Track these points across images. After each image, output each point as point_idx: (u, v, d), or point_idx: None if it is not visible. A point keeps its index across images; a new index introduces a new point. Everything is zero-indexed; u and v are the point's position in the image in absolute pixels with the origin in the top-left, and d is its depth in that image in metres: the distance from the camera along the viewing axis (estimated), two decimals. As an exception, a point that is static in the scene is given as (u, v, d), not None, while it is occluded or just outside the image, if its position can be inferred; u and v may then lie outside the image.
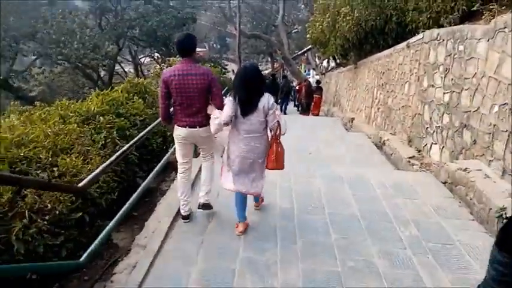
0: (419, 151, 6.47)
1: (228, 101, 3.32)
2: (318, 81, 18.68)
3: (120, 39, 21.06)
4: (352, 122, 10.87)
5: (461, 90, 5.12)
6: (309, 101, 16.35)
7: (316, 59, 40.69)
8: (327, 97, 19.30)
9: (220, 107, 3.41)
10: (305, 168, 5.03)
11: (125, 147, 3.60)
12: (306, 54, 32.13)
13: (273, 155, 3.36)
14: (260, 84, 3.34)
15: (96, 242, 2.88)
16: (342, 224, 3.46)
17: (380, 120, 8.97)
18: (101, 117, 4.21)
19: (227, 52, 64.83)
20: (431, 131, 6.01)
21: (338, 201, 3.86)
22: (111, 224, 3.30)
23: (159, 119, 5.08)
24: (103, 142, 3.87)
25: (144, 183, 4.05)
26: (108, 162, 3.01)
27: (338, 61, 19.46)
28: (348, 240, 3.23)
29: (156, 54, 25.86)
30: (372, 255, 3.02)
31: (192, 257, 3.01)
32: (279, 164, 3.41)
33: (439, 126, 5.76)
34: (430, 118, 6.07)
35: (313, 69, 40.97)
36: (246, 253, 3.03)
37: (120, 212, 3.50)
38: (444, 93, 5.64)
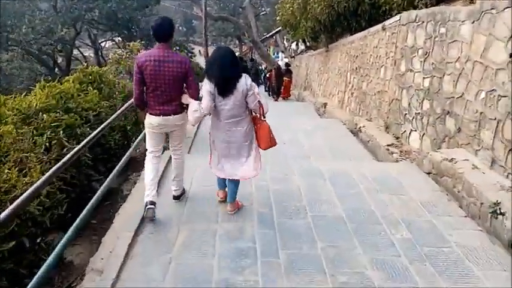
0: (397, 138, 6.21)
1: (205, 91, 3.23)
2: (287, 64, 18.24)
3: (77, 22, 19.68)
4: (325, 107, 10.57)
5: (443, 75, 4.84)
6: (279, 84, 15.93)
7: (285, 42, 40.26)
8: (297, 81, 18.97)
9: (195, 96, 3.37)
10: (282, 162, 4.64)
11: (73, 151, 3.04)
12: (274, 37, 31.53)
13: (270, 135, 3.38)
14: (236, 65, 3.28)
15: (39, 273, 2.34)
16: (328, 229, 3.10)
17: (354, 106, 8.70)
18: (44, 115, 3.59)
19: (194, 35, 63.07)
20: (410, 118, 5.75)
21: (320, 201, 3.49)
22: (60, 243, 2.77)
23: (117, 112, 4.52)
24: (47, 145, 3.28)
25: (101, 189, 3.51)
26: (46, 176, 2.45)
27: (308, 44, 19.11)
28: (336, 248, 2.87)
29: (118, 38, 24.52)
30: (365, 267, 2.68)
31: (156, 285, 2.56)
32: (273, 141, 3.45)
33: (418, 113, 5.49)
34: (409, 104, 5.80)
35: (282, 51, 40.50)
36: (222, 274, 2.61)
37: (72, 227, 2.97)
38: (424, 78, 5.36)
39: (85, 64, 11.01)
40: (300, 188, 3.72)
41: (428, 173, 4.56)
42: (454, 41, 4.61)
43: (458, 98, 4.50)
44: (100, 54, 25.57)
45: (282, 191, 3.66)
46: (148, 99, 3.43)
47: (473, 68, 4.22)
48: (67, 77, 5.81)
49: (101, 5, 18.23)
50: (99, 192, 3.48)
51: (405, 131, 5.97)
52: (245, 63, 17.10)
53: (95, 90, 5.45)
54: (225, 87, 3.19)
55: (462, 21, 4.44)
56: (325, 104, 10.62)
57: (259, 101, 3.33)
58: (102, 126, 3.72)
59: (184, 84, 3.42)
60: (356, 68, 8.68)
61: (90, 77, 5.87)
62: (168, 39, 3.39)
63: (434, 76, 5.07)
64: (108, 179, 3.66)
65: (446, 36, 4.77)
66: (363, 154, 5.85)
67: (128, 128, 5.52)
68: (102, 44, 28.00)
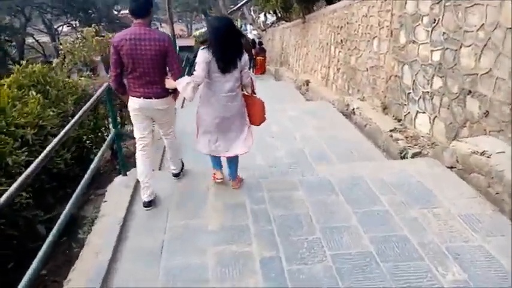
0: (399, 121, 5.45)
1: (201, 60, 3.03)
2: (260, 43, 17.78)
3: (25, 7, 17.80)
4: (307, 85, 9.70)
5: (460, 47, 4.03)
6: (250, 57, 15.03)
7: (253, 14, 38.66)
8: (272, 56, 17.95)
9: (179, 77, 3.15)
10: (277, 167, 3.80)
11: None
12: (241, 9, 29.95)
13: (263, 110, 3.38)
14: (240, 40, 3.21)
15: None
16: (357, 276, 2.30)
17: (342, 83, 7.86)
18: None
19: (157, 12, 60.08)
20: (416, 97, 4.97)
21: (339, 229, 2.65)
22: None
23: (71, 122, 3.51)
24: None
25: (48, 241, 2.54)
26: None
27: (279, 15, 17.98)
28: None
29: (75, 22, 22.55)
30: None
31: None
32: (264, 117, 3.43)
33: (427, 92, 4.71)
34: (414, 81, 5.00)
35: (250, 24, 39.01)
36: None
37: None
38: (433, 50, 4.54)
39: (15, 67, 9.65)
40: (308, 210, 2.89)
41: (451, 167, 3.82)
42: (473, 4, 3.78)
43: (483, 74, 3.71)
44: (58, 40, 23.59)
45: (287, 217, 2.82)
46: (128, 81, 3.23)
47: (505, 37, 3.41)
48: (4, 80, 4.70)
49: (50, -15, 16.45)
50: (45, 246, 2.52)
51: (409, 112, 5.21)
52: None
53: (39, 95, 4.38)
54: (228, 62, 3.07)
55: (486, -21, 3.59)
56: (307, 82, 9.74)
57: (251, 77, 3.31)
58: (43, 154, 2.69)
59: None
60: (341, 41, 7.78)
61: (32, 78, 4.77)
62: (145, 16, 3.15)
63: (447, 48, 4.26)
64: (58, 222, 2.69)
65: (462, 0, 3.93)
66: (367, 146, 5.06)
67: (85, 138, 4.50)
68: (59, 29, 25.89)
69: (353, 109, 6.45)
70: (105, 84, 3.29)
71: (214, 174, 3.54)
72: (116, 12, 27.91)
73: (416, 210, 2.91)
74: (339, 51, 7.96)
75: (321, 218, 2.81)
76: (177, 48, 19.14)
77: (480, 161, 3.39)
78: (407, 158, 4.61)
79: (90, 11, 20.73)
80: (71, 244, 3.26)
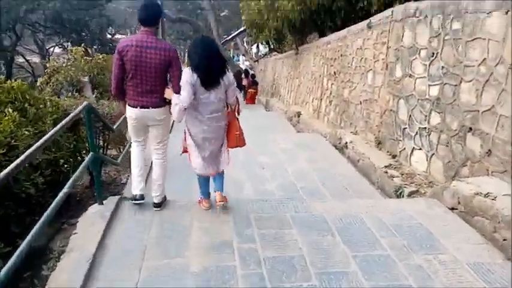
0: (394, 157, 5.27)
1: (184, 81, 3.02)
2: (253, 75, 18.08)
3: (16, 24, 17.63)
4: (298, 116, 9.56)
5: (460, 82, 3.91)
6: (238, 86, 15.16)
7: (245, 44, 39.30)
8: (263, 87, 18.00)
9: (179, 90, 3.07)
10: (268, 201, 3.51)
11: None
12: (234, 40, 30.39)
13: (236, 132, 3.31)
14: (222, 57, 3.22)
15: None
16: None
17: (334, 116, 7.73)
18: None
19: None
20: (412, 133, 4.81)
21: (337, 277, 2.34)
22: None
23: (39, 142, 3.20)
24: None
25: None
26: None
27: (272, 46, 18.17)
28: None
29: (67, 43, 22.41)
30: None
31: None
32: (241, 141, 3.39)
33: (424, 128, 4.55)
34: (410, 116, 4.86)
35: (243, 55, 39.57)
36: None
37: None
38: (430, 85, 4.42)
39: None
40: (302, 252, 2.59)
41: (452, 209, 3.60)
42: (474, 38, 3.69)
43: (485, 111, 3.57)
44: (49, 60, 23.36)
45: (279, 260, 2.51)
46: (127, 88, 3.20)
47: (508, 73, 3.29)
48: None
49: (43, 5, 16.33)
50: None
51: (404, 148, 5.03)
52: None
53: (15, 113, 4.08)
54: (212, 80, 3.05)
55: (488, 13, 3.51)
56: (298, 114, 9.62)
57: (236, 97, 3.31)
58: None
59: (168, 76, 3.19)
60: (334, 73, 7.72)
61: (10, 95, 4.48)
62: (153, 24, 3.17)
63: (446, 83, 4.14)
64: (13, 257, 2.33)
65: (463, 33, 3.85)
66: (361, 183, 4.84)
67: (63, 162, 4.17)
68: (51, 50, 25.69)
69: (346, 143, 6.27)
70: (84, 103, 3.02)
71: (201, 201, 3.46)
72: (109, 36, 27.97)
73: (420, 256, 2.65)
74: (332, 84, 7.89)
75: (317, 261, 2.51)
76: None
77: (484, 203, 3.18)
78: (403, 196, 4.39)
79: (83, 33, 20.65)
80: (34, 281, 2.88)
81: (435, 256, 2.66)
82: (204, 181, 3.46)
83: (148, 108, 3.18)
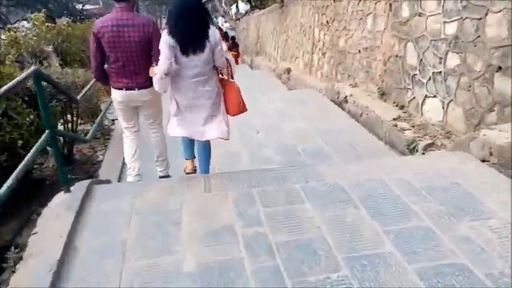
0: (402, 107, 4.73)
1: (164, 45, 2.70)
2: (233, 37, 17.65)
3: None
4: (288, 73, 8.90)
5: (486, 15, 3.31)
6: None
7: (224, 5, 37.53)
8: (246, 46, 17.10)
9: None
10: (271, 177, 2.95)
11: None
12: (212, 1, 28.78)
13: (239, 98, 2.99)
14: (205, 16, 2.79)
15: None
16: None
17: (328, 69, 7.09)
18: None
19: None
20: (424, 80, 4.24)
21: (371, 261, 1.81)
22: None
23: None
24: None
25: None
26: None
27: (253, 3, 17.12)
28: None
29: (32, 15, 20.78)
30: None
31: None
32: (244, 106, 3.06)
33: (439, 72, 3.98)
34: (420, 61, 4.28)
35: (222, 16, 37.90)
36: None
37: None
38: (446, 22, 3.81)
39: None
40: (322, 233, 2.06)
41: (483, 161, 3.10)
42: (504, -41, 3.05)
43: (520, 46, 3.00)
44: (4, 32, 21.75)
45: (296, 245, 1.98)
46: (110, 70, 3.06)
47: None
48: None
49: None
50: None
51: (414, 97, 4.49)
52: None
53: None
54: (193, 45, 2.71)
55: None
56: (288, 70, 8.94)
57: (226, 58, 2.95)
58: None
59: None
60: (327, 22, 7.00)
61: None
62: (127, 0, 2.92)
63: (466, 18, 3.53)
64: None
65: (488, -45, 3.20)
66: (367, 138, 4.34)
67: (21, 143, 3.52)
68: (16, 25, 23.96)
69: (345, 97, 5.70)
70: (31, 69, 2.35)
71: (185, 164, 3.21)
72: (79, 6, 26.16)
73: (465, 225, 2.15)
74: (325, 34, 7.18)
75: (343, 243, 1.99)
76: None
77: (527, 153, 2.68)
78: (417, 150, 3.90)
79: (49, 4, 19.10)
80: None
81: (483, 222, 2.16)
82: (187, 142, 3.17)
83: (133, 89, 3.02)
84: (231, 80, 3.02)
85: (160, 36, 2.90)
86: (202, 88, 2.88)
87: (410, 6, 4.38)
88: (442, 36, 3.87)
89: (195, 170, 3.19)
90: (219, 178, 2.80)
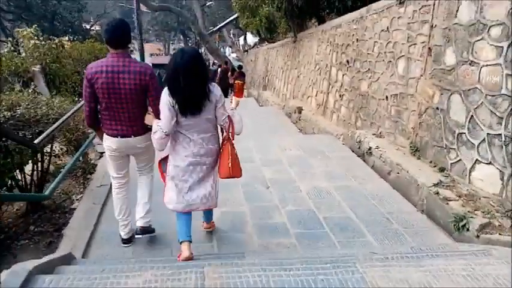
0: (442, 170, 3.95)
1: (163, 104, 2.55)
2: (240, 66, 17.37)
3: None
4: (300, 112, 8.21)
5: None
6: (224, 86, 15.35)
7: (232, 36, 37.78)
8: (254, 79, 16.61)
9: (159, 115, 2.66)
10: (288, 273, 2.09)
11: None
12: (220, 31, 28.79)
13: (228, 160, 2.74)
14: (205, 76, 2.61)
15: None
16: None
17: (346, 113, 6.38)
18: None
19: (134, 30, 58.42)
20: (475, 141, 3.50)
21: None
22: None
23: None
24: None
25: None
26: None
27: (262, 36, 16.80)
28: None
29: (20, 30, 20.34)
30: None
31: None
32: (235, 171, 2.76)
33: (498, 135, 3.24)
34: (470, 118, 3.54)
35: (230, 46, 38.08)
36: None
37: None
38: (509, 75, 3.10)
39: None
40: None
41: None
42: None
43: None
44: (18, 50, 21.41)
45: None
46: (103, 117, 2.88)
47: None
48: None
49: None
50: None
51: (459, 160, 3.73)
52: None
53: None
54: (191, 107, 2.55)
55: None
56: (299, 109, 8.25)
57: (228, 117, 2.74)
58: None
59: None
60: (347, 62, 6.36)
61: None
62: (125, 46, 2.80)
63: (542, 72, 2.82)
64: None
65: None
66: (405, 209, 3.55)
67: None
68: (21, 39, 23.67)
69: (369, 148, 4.95)
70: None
71: (179, 252, 2.72)
72: (87, 26, 26.07)
73: None
74: (344, 75, 6.53)
75: None
76: (150, 65, 18.32)
77: None
78: (468, 229, 3.12)
79: (55, 21, 18.80)
80: None
81: None
82: (185, 220, 2.75)
83: (130, 137, 2.87)
84: (229, 138, 2.79)
85: (157, 83, 2.82)
86: (206, 145, 2.70)
87: (458, 53, 3.71)
88: (503, 91, 3.16)
89: (192, 256, 2.66)
90: (217, 270, 1.96)
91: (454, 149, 3.79)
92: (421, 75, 4.35)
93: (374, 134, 5.26)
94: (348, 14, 6.43)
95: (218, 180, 2.82)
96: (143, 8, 26.81)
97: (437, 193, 3.58)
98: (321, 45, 7.79)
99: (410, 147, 4.49)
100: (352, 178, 4.18)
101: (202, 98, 2.53)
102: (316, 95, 7.95)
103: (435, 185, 3.71)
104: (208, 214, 3.10)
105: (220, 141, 2.80)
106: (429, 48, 4.21)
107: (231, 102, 2.98)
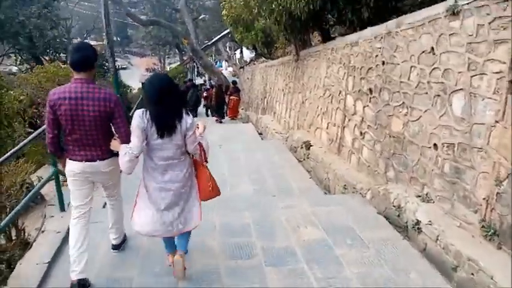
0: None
1: (135, 126, 2.64)
2: (234, 82, 16.83)
3: None
4: (307, 148, 6.76)
5: None
6: (220, 104, 15.10)
7: (228, 49, 36.56)
8: (251, 99, 15.23)
9: (126, 141, 2.76)
10: None
11: None
12: (216, 45, 27.59)
13: (208, 183, 2.93)
14: (178, 100, 2.76)
15: None
16: None
17: (371, 157, 4.91)
18: None
19: (129, 45, 57.10)
20: None
21: None
22: None
23: None
24: None
25: None
26: None
27: (259, 51, 15.48)
28: None
29: (15, 51, 18.83)
30: None
31: None
32: (214, 191, 2.98)
33: None
34: None
35: (226, 60, 36.86)
36: None
37: None
38: None
39: None
40: None
41: None
42: None
43: None
44: None
45: None
46: (66, 142, 2.88)
47: None
48: None
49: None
50: None
51: None
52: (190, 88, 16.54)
53: None
54: (164, 129, 2.66)
55: None
56: (307, 145, 6.80)
57: (199, 143, 2.87)
58: None
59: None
60: (370, 91, 4.92)
61: None
62: (87, 69, 2.78)
63: None
64: None
65: None
66: None
67: None
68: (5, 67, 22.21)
69: (417, 222, 3.48)
70: None
71: (167, 256, 3.07)
72: (67, 41, 24.56)
73: None
74: (365, 106, 5.08)
75: None
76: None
77: None
78: None
79: (37, 43, 17.46)
80: None
81: None
82: (166, 240, 2.97)
83: (95, 161, 2.85)
84: (204, 163, 2.94)
85: (122, 110, 2.82)
86: (172, 172, 2.77)
87: None
88: None
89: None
90: None
91: None
92: (497, 122, 2.90)
93: (419, 197, 3.79)
94: (368, 29, 5.00)
95: (194, 202, 2.86)
96: (133, 20, 25.56)
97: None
98: (331, 67, 6.36)
99: (483, 226, 3.02)
100: (401, 272, 2.69)
101: (177, 118, 2.61)
102: (327, 127, 6.49)
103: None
104: (182, 240, 2.97)
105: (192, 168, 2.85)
106: (510, 81, 2.77)
107: (197, 127, 2.88)
